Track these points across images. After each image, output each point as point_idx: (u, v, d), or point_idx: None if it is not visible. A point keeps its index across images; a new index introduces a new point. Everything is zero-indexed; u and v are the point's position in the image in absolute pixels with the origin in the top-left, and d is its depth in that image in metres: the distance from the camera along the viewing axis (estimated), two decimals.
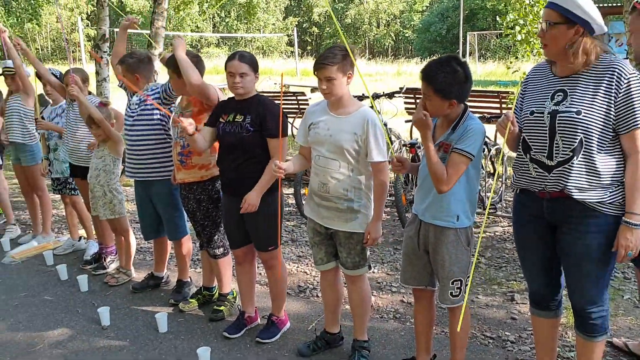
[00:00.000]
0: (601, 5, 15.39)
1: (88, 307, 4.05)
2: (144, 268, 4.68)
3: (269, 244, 3.38)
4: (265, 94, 5.48)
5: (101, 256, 4.73)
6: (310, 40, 46.44)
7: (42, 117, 4.97)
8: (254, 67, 3.23)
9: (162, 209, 4.00)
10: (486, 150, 5.77)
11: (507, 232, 5.33)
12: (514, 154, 2.64)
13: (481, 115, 5.91)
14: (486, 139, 5.85)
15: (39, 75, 4.81)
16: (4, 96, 5.40)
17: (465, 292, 2.76)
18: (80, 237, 5.21)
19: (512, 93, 7.64)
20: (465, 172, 2.57)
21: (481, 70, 25.80)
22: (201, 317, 3.85)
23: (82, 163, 4.52)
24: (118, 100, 8.82)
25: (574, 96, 2.29)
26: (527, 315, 3.71)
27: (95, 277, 4.55)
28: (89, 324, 3.80)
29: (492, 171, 5.97)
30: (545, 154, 2.37)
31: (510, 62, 7.14)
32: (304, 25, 45.20)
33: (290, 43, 40.15)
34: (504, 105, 7.89)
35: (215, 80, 17.73)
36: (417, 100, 8.81)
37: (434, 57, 2.77)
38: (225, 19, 41.28)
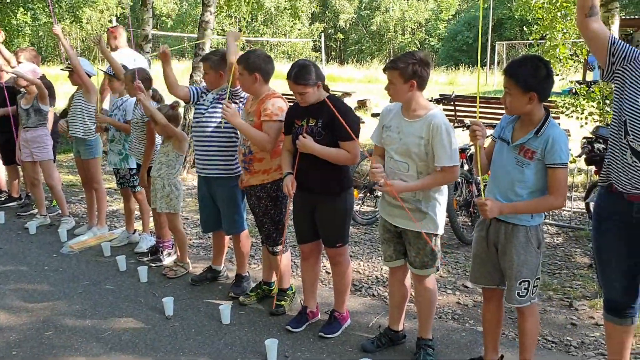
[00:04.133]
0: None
1: (150, 297, 4.15)
2: (200, 262, 4.78)
3: (338, 240, 3.46)
4: None
5: (158, 249, 4.84)
6: (335, 46, 46.58)
7: (102, 110, 5.13)
8: (311, 82, 3.26)
9: (221, 204, 4.09)
10: None
11: (557, 241, 5.36)
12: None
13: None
14: None
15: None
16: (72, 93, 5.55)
17: (533, 293, 2.80)
18: (134, 230, 5.32)
19: (555, 101, 7.68)
20: (541, 170, 2.63)
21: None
22: (262, 311, 3.93)
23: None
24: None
25: None
26: (587, 322, 3.74)
27: (153, 269, 4.65)
28: (152, 313, 3.90)
29: None
30: None
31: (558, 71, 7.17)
32: (330, 31, 45.35)
33: (315, 48, 40.32)
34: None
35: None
36: (457, 109, 8.84)
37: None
38: (251, 23, 41.59)
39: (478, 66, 2.91)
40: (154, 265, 4.71)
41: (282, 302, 3.92)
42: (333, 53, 45.60)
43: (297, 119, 3.40)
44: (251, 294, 4.09)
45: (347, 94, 15.02)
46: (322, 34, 30.80)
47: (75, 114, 5.26)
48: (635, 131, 2.39)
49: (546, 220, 5.83)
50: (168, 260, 4.79)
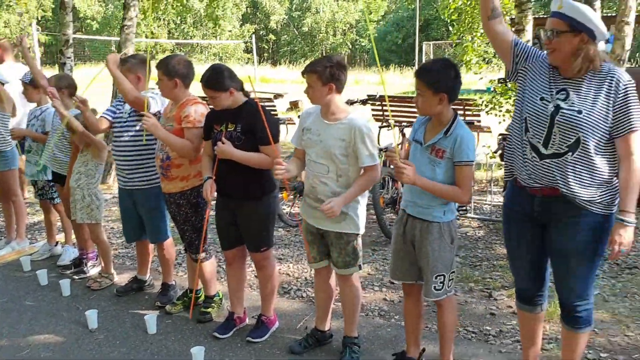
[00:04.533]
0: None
1: (73, 311, 4.03)
2: (126, 272, 4.67)
3: (262, 245, 3.47)
4: None
5: (82, 261, 4.70)
6: (267, 48, 46.47)
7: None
8: (222, 88, 3.27)
9: (144, 213, 4.03)
10: None
11: (479, 234, 5.57)
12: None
13: None
14: None
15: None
16: None
17: (448, 287, 2.92)
18: (57, 242, 5.15)
19: (475, 100, 7.97)
20: (450, 169, 2.75)
21: None
22: (189, 319, 3.88)
23: (65, 172, 4.50)
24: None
25: (577, 97, 2.44)
26: (505, 310, 3.91)
27: (77, 281, 4.52)
28: (76, 327, 3.79)
29: None
30: (541, 141, 2.51)
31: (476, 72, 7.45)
32: (261, 32, 45.21)
33: (247, 50, 40.05)
34: (467, 112, 8.22)
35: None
36: (384, 108, 9.03)
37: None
38: (180, 25, 40.88)
39: (379, 67, 2.99)
40: (77, 277, 4.58)
41: (209, 309, 3.89)
42: (265, 54, 45.48)
43: (216, 124, 3.39)
44: (177, 302, 4.04)
45: (280, 95, 15.01)
46: (254, 36, 30.71)
47: None
48: (535, 128, 2.53)
49: (469, 215, 6.05)
50: (93, 271, 4.66)
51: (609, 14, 15.37)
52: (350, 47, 44.70)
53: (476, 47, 7.21)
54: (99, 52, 29.64)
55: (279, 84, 23.72)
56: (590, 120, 2.41)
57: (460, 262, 4.81)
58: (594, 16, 2.39)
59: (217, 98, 3.30)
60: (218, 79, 3.28)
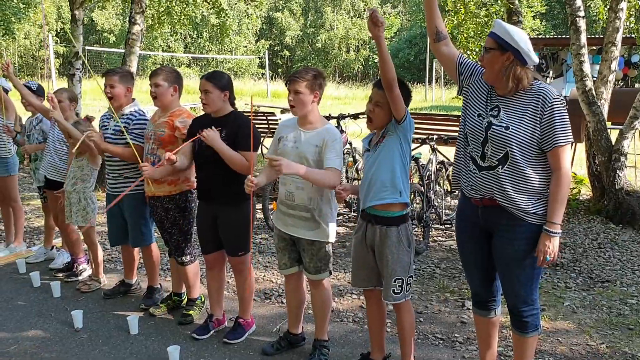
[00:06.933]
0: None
1: (61, 312, 4.21)
2: (116, 276, 4.85)
3: (240, 249, 3.63)
4: None
5: (74, 265, 4.89)
6: (281, 63, 46.96)
7: (21, 125, 5.17)
8: (219, 85, 3.51)
9: (129, 217, 4.19)
10: (444, 169, 6.12)
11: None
12: None
13: (439, 137, 6.27)
14: (444, 159, 6.22)
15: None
16: None
17: (407, 290, 3.05)
18: (52, 247, 5.35)
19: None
20: (399, 154, 2.92)
21: (445, 96, 26.58)
22: (171, 321, 4.05)
23: (59, 178, 4.70)
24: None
25: (506, 113, 2.61)
26: None
27: (68, 284, 4.70)
28: (62, 327, 3.96)
29: (449, 189, 6.33)
30: (479, 154, 2.68)
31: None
32: (276, 48, 45.76)
33: (261, 65, 40.54)
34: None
35: (186, 99, 17.97)
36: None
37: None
38: (197, 39, 41.54)
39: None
40: (68, 280, 4.76)
41: (191, 312, 4.05)
42: (280, 70, 45.94)
43: (201, 130, 3.56)
44: (161, 304, 4.20)
45: (287, 110, 15.09)
46: (267, 51, 31.07)
47: None
48: (473, 142, 2.69)
49: (454, 228, 6.14)
50: (84, 275, 4.84)
51: (596, 36, 15.45)
52: (363, 63, 45.02)
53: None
54: (115, 64, 30.21)
55: None
56: (516, 135, 2.55)
57: (440, 274, 4.93)
58: (520, 39, 2.54)
59: (211, 94, 3.49)
60: (219, 77, 3.54)
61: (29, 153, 5.12)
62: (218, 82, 3.51)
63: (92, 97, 20.24)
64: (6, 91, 5.32)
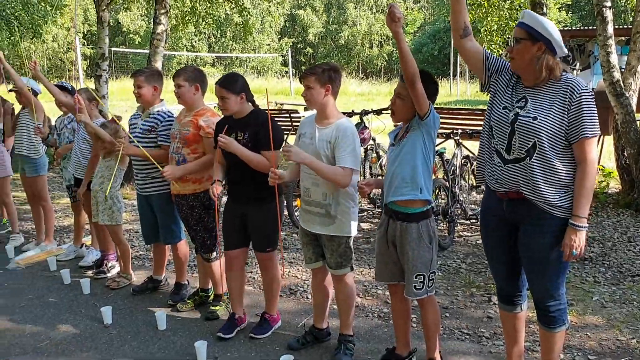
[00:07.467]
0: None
1: (90, 308, 4.30)
2: (144, 273, 4.93)
3: (267, 245, 3.66)
4: None
5: (103, 262, 4.98)
6: (304, 61, 46.98)
7: (50, 127, 5.29)
8: (234, 90, 3.51)
9: (159, 216, 4.27)
10: (469, 164, 6.08)
11: None
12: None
13: (463, 131, 6.23)
14: (469, 154, 6.18)
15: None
16: (16, 112, 5.67)
17: (429, 286, 3.03)
18: (82, 245, 5.45)
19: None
20: (422, 150, 2.90)
21: (470, 90, 26.32)
22: (198, 317, 4.10)
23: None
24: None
25: (533, 104, 2.58)
26: None
27: (97, 281, 4.79)
28: (92, 323, 4.04)
29: (474, 184, 6.28)
30: (504, 147, 2.65)
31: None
32: (299, 45, 45.79)
33: (284, 63, 40.66)
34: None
35: (211, 98, 18.09)
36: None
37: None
38: (221, 38, 41.83)
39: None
40: (98, 277, 4.85)
41: (217, 307, 4.10)
42: (303, 67, 45.95)
43: (225, 133, 3.60)
44: (188, 300, 4.26)
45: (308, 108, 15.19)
46: (290, 49, 31.13)
47: (21, 132, 5.40)
48: (498, 135, 2.66)
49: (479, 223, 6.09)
50: (113, 272, 4.93)
51: (625, 26, 15.04)
52: (387, 59, 44.80)
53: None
54: (140, 64, 30.57)
55: None
56: (544, 125, 2.52)
57: (465, 269, 4.90)
58: (552, 29, 2.51)
59: (228, 100, 3.52)
60: (232, 81, 3.54)
61: (61, 155, 5.22)
62: (232, 87, 3.51)
63: (119, 98, 20.56)
64: (35, 94, 5.44)
